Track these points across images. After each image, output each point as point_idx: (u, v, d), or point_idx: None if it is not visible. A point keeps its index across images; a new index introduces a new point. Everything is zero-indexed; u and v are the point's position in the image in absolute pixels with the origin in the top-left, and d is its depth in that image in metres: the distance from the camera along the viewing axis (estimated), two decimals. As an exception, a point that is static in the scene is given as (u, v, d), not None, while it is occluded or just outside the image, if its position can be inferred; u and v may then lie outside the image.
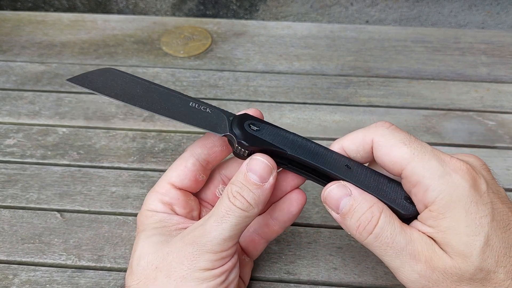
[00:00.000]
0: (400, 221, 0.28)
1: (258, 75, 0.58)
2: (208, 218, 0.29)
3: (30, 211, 0.44)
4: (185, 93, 0.33)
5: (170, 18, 0.67)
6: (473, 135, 0.51)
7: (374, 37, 0.63)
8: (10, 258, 0.40)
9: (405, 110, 0.54)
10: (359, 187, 0.29)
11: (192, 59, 0.60)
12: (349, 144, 0.31)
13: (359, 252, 0.40)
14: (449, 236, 0.26)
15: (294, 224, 0.42)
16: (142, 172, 0.47)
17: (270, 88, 0.56)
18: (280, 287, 0.38)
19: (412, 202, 0.29)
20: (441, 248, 0.27)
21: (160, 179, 0.34)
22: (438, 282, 0.27)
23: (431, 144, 0.50)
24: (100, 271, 0.39)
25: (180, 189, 0.33)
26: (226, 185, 0.33)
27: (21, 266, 0.39)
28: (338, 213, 0.29)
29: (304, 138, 0.32)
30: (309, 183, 0.34)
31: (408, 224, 0.29)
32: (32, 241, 0.41)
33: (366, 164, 0.32)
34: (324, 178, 0.31)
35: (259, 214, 0.34)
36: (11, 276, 0.39)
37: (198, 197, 0.36)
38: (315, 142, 0.31)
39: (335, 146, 0.31)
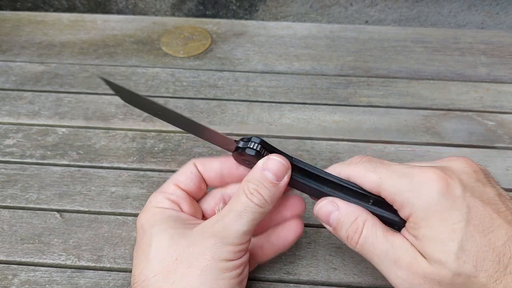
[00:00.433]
0: (385, 229, 0.30)
1: (257, 75, 0.58)
2: (227, 213, 0.31)
3: (29, 211, 0.43)
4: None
5: (169, 18, 0.67)
6: (473, 135, 0.51)
7: (374, 37, 0.63)
8: (10, 258, 0.40)
9: (405, 110, 0.54)
10: (346, 200, 0.32)
11: (192, 59, 0.60)
12: None
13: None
14: (426, 244, 0.28)
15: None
16: (141, 172, 0.47)
17: (270, 88, 0.56)
18: (280, 287, 0.38)
19: None
20: (421, 255, 0.28)
21: (166, 182, 0.35)
22: (420, 286, 0.28)
23: (431, 144, 0.51)
24: (100, 271, 0.39)
25: (185, 191, 0.35)
26: (226, 204, 0.34)
27: (20, 266, 0.39)
28: (330, 226, 0.32)
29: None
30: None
31: (403, 226, 0.30)
32: (31, 241, 0.41)
33: None
34: (324, 184, 0.33)
35: (255, 236, 0.36)
36: (10, 276, 0.39)
37: None
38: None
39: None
